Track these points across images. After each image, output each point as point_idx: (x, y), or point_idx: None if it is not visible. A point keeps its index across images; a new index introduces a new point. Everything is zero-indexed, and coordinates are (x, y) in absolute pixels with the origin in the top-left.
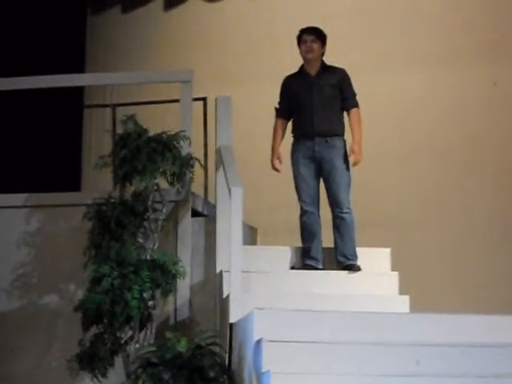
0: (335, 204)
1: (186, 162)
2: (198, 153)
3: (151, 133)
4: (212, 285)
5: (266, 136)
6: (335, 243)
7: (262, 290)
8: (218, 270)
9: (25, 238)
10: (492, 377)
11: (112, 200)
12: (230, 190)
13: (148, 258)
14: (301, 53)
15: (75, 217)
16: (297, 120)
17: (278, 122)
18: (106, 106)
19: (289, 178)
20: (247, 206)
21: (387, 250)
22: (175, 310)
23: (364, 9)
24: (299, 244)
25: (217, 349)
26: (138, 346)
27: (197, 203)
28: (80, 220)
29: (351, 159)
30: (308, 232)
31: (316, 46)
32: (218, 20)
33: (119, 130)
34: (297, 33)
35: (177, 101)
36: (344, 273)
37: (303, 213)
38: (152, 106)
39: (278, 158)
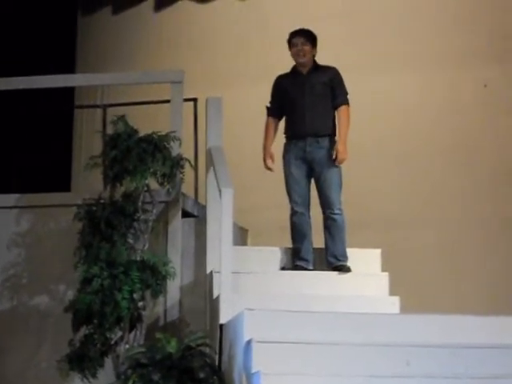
0: (326, 205)
1: (177, 163)
2: (189, 153)
3: (142, 133)
4: (202, 285)
5: (256, 137)
6: (326, 244)
7: (253, 290)
8: (208, 271)
9: (15, 239)
10: (483, 378)
11: (102, 200)
12: (220, 191)
13: (138, 258)
14: (292, 56)
15: (65, 217)
16: (289, 120)
17: (270, 121)
18: (97, 106)
19: (280, 179)
20: (238, 207)
21: (377, 251)
22: (165, 310)
23: (357, 10)
24: (290, 245)
25: (207, 350)
26: (127, 346)
27: (187, 204)
28: (70, 220)
29: (336, 158)
30: (298, 233)
31: (307, 48)
32: (209, 21)
33: (109, 131)
34: (288, 34)
35: (167, 101)
36: (334, 274)
37: (294, 213)
38: (142, 106)
39: (271, 157)
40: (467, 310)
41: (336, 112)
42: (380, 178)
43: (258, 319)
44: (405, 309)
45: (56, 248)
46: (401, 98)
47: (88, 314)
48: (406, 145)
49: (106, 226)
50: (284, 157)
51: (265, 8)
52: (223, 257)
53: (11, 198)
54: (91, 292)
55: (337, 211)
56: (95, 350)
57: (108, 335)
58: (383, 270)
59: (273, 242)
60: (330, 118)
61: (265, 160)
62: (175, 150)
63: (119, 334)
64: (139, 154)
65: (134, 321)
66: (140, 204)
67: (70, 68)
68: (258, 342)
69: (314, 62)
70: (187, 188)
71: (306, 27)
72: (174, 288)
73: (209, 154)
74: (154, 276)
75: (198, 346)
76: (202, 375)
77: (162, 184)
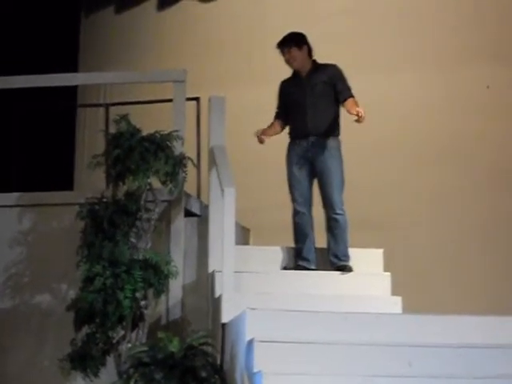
0: (328, 205)
1: (179, 162)
2: (191, 153)
3: (144, 132)
4: (204, 285)
5: None
6: (328, 244)
7: (255, 290)
8: (210, 270)
9: (17, 238)
10: (485, 378)
11: (105, 199)
12: (222, 191)
13: (140, 257)
14: (287, 65)
15: (68, 216)
16: (292, 121)
17: (275, 121)
18: (100, 105)
19: (282, 179)
20: (240, 207)
21: (380, 251)
22: (167, 309)
23: (357, 9)
24: (292, 244)
25: (209, 349)
26: (129, 345)
27: (190, 203)
28: (73, 219)
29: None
30: (300, 232)
31: (294, 52)
32: (212, 20)
33: (112, 130)
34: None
35: (170, 100)
36: (336, 273)
37: (295, 213)
38: (145, 105)
39: (264, 134)
40: (469, 310)
41: (343, 106)
42: (382, 177)
43: (260, 319)
44: (407, 309)
45: (58, 247)
46: (402, 97)
47: (90, 313)
48: (408, 144)
49: (108, 224)
50: (287, 156)
51: (268, 7)
52: (225, 256)
53: (14, 197)
54: (93, 291)
55: (339, 211)
56: (97, 348)
57: (110, 334)
58: (385, 270)
59: (275, 242)
60: (332, 118)
61: (260, 133)
62: (178, 149)
63: (121, 332)
64: (142, 153)
65: (137, 320)
66: (142, 203)
67: (72, 67)
68: (260, 341)
69: (314, 62)
70: (190, 187)
71: (291, 31)
72: (176, 287)
73: (211, 153)
74: (156, 275)
75: (200, 345)
76: (203, 374)
77: (164, 183)
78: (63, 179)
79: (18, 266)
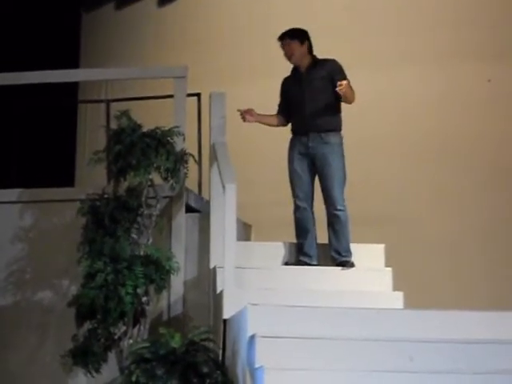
0: (329, 201)
1: (180, 158)
2: (192, 148)
3: (145, 128)
4: (206, 280)
5: (260, 132)
6: (329, 240)
7: (256, 285)
8: (211, 266)
9: (18, 234)
10: (486, 373)
11: (106, 195)
12: (223, 186)
13: (142, 253)
14: (286, 59)
15: (69, 212)
16: (292, 117)
17: (276, 115)
18: (100, 101)
19: (283, 174)
20: (242, 202)
21: (381, 246)
22: (169, 305)
23: (358, 5)
24: (293, 240)
25: (210, 344)
26: (131, 341)
27: (191, 199)
28: (74, 215)
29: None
30: (301, 228)
31: (294, 46)
32: (212, 16)
33: (113, 126)
34: (289, 28)
35: (171, 96)
36: (338, 269)
37: (296, 208)
38: (146, 101)
39: (250, 112)
40: (471, 305)
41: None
42: (383, 173)
43: (262, 314)
44: (408, 304)
45: (59, 243)
46: (402, 93)
47: (91, 309)
48: (409, 140)
49: (109, 221)
50: (288, 152)
51: (269, 3)
52: (227, 252)
53: (15, 193)
54: (95, 287)
55: (340, 207)
56: (99, 344)
57: (112, 330)
58: (387, 265)
59: (277, 238)
60: (333, 113)
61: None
62: (179, 145)
63: (123, 328)
64: (143, 149)
65: (138, 316)
66: (144, 199)
67: (73, 63)
68: (262, 337)
69: (313, 57)
70: (191, 183)
71: (293, 27)
72: (177, 283)
73: (212, 149)
74: (157, 271)
75: (202, 340)
76: (205, 370)
77: (165, 179)
78: (64, 175)
79: (20, 262)
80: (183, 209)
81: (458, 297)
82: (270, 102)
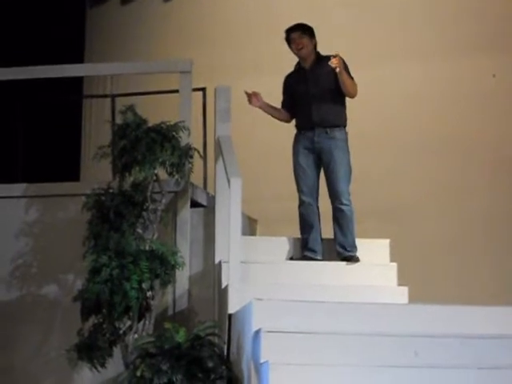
0: (334, 196)
1: (186, 153)
2: (197, 143)
3: (150, 123)
4: (211, 275)
5: (265, 127)
6: (335, 234)
7: (261, 280)
8: (216, 261)
9: (24, 228)
10: (491, 368)
11: (111, 190)
12: (229, 181)
13: (147, 248)
14: (293, 52)
15: (74, 207)
16: (297, 113)
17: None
18: (106, 96)
19: (289, 169)
20: (247, 197)
21: (386, 241)
22: (174, 300)
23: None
24: (299, 235)
25: (215, 339)
26: (136, 336)
27: (196, 194)
28: (79, 210)
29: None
30: (306, 223)
31: (305, 40)
32: (218, 10)
33: (118, 121)
34: (293, 22)
35: (176, 91)
36: (343, 264)
37: (301, 203)
38: (151, 96)
39: (256, 95)
40: (475, 299)
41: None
42: (388, 167)
43: (267, 309)
44: (413, 299)
45: (65, 237)
46: (407, 88)
47: (97, 304)
48: (414, 135)
49: (114, 215)
50: (293, 147)
51: None
52: (232, 247)
53: (20, 188)
54: (100, 281)
55: (345, 202)
56: (104, 339)
57: (117, 325)
58: (392, 260)
59: (282, 233)
60: (338, 109)
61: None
62: (184, 139)
63: (128, 323)
64: (148, 144)
65: (143, 310)
66: (149, 194)
67: (78, 58)
68: (267, 331)
69: (317, 53)
70: (196, 178)
71: (301, 21)
72: (182, 278)
73: (217, 143)
74: (162, 266)
75: (207, 335)
76: (210, 365)
77: (170, 174)
78: (69, 170)
79: (25, 256)
80: (188, 203)
81: (463, 291)
82: (276, 97)
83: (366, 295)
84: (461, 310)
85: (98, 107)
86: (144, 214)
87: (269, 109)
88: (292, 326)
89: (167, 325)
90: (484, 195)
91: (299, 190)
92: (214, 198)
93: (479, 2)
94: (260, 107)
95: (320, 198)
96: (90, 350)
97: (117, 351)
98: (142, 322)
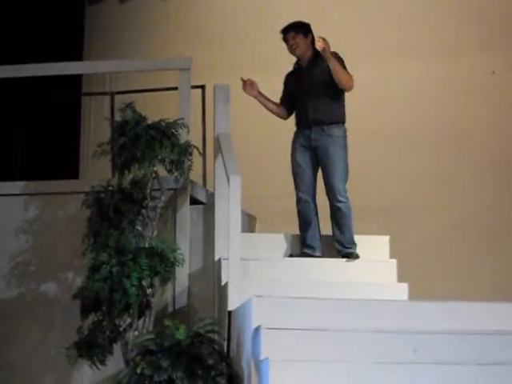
0: (331, 193)
1: (185, 150)
2: (197, 140)
3: (150, 120)
4: (210, 272)
5: (264, 124)
6: (333, 232)
7: (261, 277)
8: (216, 258)
9: (23, 226)
10: (491, 364)
11: (110, 188)
12: (228, 178)
13: (146, 245)
14: (289, 52)
15: (73, 204)
16: (296, 110)
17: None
18: (105, 93)
19: (288, 167)
20: (246, 194)
21: (386, 238)
22: (174, 297)
23: None
24: (298, 232)
25: (215, 336)
26: (136, 333)
27: (195, 191)
28: (78, 208)
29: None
30: (304, 220)
31: (299, 39)
32: (217, 8)
33: (118, 118)
34: (292, 20)
35: (175, 88)
36: (343, 260)
37: (298, 200)
38: (151, 93)
39: (252, 84)
40: (475, 296)
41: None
42: (388, 164)
43: (267, 306)
44: (413, 296)
45: (64, 235)
46: (406, 85)
47: (96, 301)
48: (413, 132)
49: (114, 213)
50: (292, 145)
51: None
52: (231, 243)
53: (19, 186)
54: (100, 279)
55: (341, 199)
56: (104, 337)
57: (117, 322)
58: (391, 256)
59: (281, 230)
60: (336, 105)
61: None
62: (183, 137)
63: (128, 320)
64: (147, 141)
65: (143, 308)
66: (148, 191)
67: (77, 55)
68: (267, 328)
69: (315, 50)
70: (195, 175)
71: (297, 20)
72: (182, 275)
73: (217, 141)
74: (162, 263)
75: (207, 332)
76: (210, 362)
77: (170, 171)
78: (69, 168)
79: (24, 254)
80: (188, 201)
81: (462, 288)
82: (275, 95)
83: (366, 292)
84: (460, 306)
85: (97, 105)
86: (143, 211)
87: (263, 100)
88: (292, 323)
89: (167, 322)
90: (484, 192)
91: (296, 188)
92: (213, 195)
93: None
94: (255, 97)
95: (319, 195)
96: (90, 348)
97: (117, 348)
98: (141, 320)
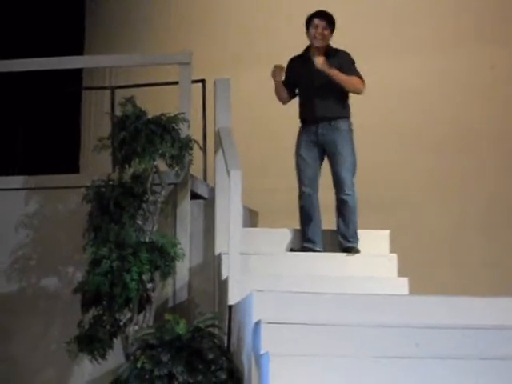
0: (338, 186)
1: (185, 145)
2: (197, 135)
3: (150, 115)
4: (211, 267)
5: (265, 118)
6: (337, 225)
7: (261, 272)
8: (217, 252)
9: (23, 221)
10: (492, 359)
11: (111, 182)
12: (229, 173)
13: (147, 240)
14: (309, 36)
15: (74, 199)
16: (302, 104)
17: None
18: (105, 88)
19: (289, 161)
20: (248, 189)
21: (386, 232)
22: (174, 292)
23: None
24: (299, 226)
25: (216, 331)
26: (137, 327)
27: (196, 186)
28: (79, 202)
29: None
30: (305, 214)
31: (327, 32)
32: (217, 1)
33: (118, 113)
34: (308, 14)
35: (176, 83)
36: (343, 255)
37: (301, 194)
38: (151, 88)
39: (280, 74)
40: (475, 290)
41: None
42: (388, 159)
43: (267, 300)
44: (414, 290)
45: (65, 229)
46: (405, 81)
47: (97, 296)
48: (413, 127)
49: (114, 207)
50: (297, 139)
51: None
52: (232, 238)
53: (20, 180)
54: (100, 273)
55: (348, 192)
56: (104, 331)
57: (117, 316)
58: (392, 251)
59: (282, 224)
60: (342, 100)
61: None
62: (184, 131)
63: (128, 315)
64: (148, 136)
65: (143, 302)
66: (149, 186)
67: (78, 49)
68: (267, 323)
69: (328, 45)
70: (196, 170)
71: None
72: (182, 269)
73: (217, 135)
74: (162, 257)
75: (207, 327)
76: (210, 356)
77: (170, 166)
78: (69, 162)
79: (25, 249)
80: (188, 195)
81: (464, 282)
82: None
83: (367, 286)
84: (462, 300)
85: (97, 99)
86: (144, 205)
87: (281, 86)
88: (292, 318)
89: (167, 316)
90: (483, 186)
91: (299, 181)
92: (214, 189)
93: None
94: (278, 82)
95: (322, 190)
96: (91, 342)
97: (117, 343)
98: (142, 314)
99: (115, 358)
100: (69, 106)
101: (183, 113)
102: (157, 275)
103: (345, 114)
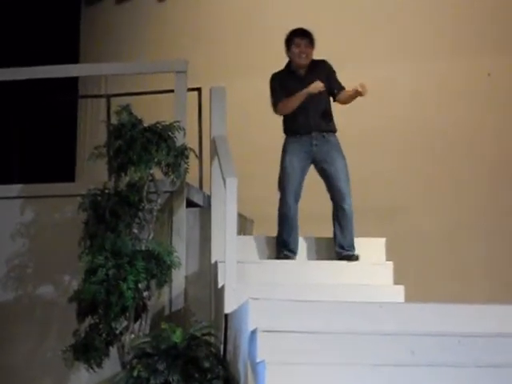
0: (338, 196)
1: (181, 153)
2: (193, 143)
3: (146, 123)
4: (207, 275)
5: (260, 126)
6: (334, 234)
7: (257, 280)
8: (213, 261)
9: (19, 229)
10: (488, 366)
11: (107, 191)
12: (224, 181)
13: (143, 248)
14: (292, 56)
15: (70, 207)
16: (291, 117)
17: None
18: (101, 96)
19: None
20: (243, 197)
21: (382, 240)
22: (170, 300)
23: None
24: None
25: (212, 339)
26: (133, 336)
27: (192, 194)
28: (75, 211)
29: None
30: (288, 224)
31: (310, 49)
32: (213, 10)
33: (114, 121)
34: (288, 23)
35: (171, 91)
36: (339, 263)
37: (283, 204)
38: (146, 96)
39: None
40: (472, 298)
41: (337, 99)
42: (384, 166)
43: (263, 308)
44: (409, 298)
45: (60, 238)
46: (402, 88)
47: (93, 304)
48: (409, 134)
49: (110, 216)
50: (286, 149)
51: None
52: (228, 246)
53: (15, 189)
54: (96, 282)
55: (349, 202)
56: (100, 339)
57: (113, 325)
58: (388, 258)
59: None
60: (331, 115)
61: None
62: (179, 139)
63: (124, 323)
64: (143, 144)
65: (139, 310)
66: (145, 194)
67: (73, 58)
68: (263, 331)
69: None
70: (192, 178)
71: (304, 26)
72: (178, 278)
73: (213, 143)
74: (158, 266)
75: (203, 335)
76: (207, 365)
77: (166, 174)
78: (65, 171)
79: (21, 257)
80: (184, 203)
81: (460, 290)
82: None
83: (363, 294)
84: (457, 308)
85: (93, 107)
86: (140, 214)
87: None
88: (288, 326)
89: (164, 325)
90: (480, 194)
91: (284, 190)
92: (209, 197)
93: (474, 1)
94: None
95: (313, 199)
96: (87, 351)
97: (113, 351)
98: (138, 322)
99: (111, 366)
100: (64, 114)
101: (179, 121)
102: (153, 283)
103: (334, 128)
